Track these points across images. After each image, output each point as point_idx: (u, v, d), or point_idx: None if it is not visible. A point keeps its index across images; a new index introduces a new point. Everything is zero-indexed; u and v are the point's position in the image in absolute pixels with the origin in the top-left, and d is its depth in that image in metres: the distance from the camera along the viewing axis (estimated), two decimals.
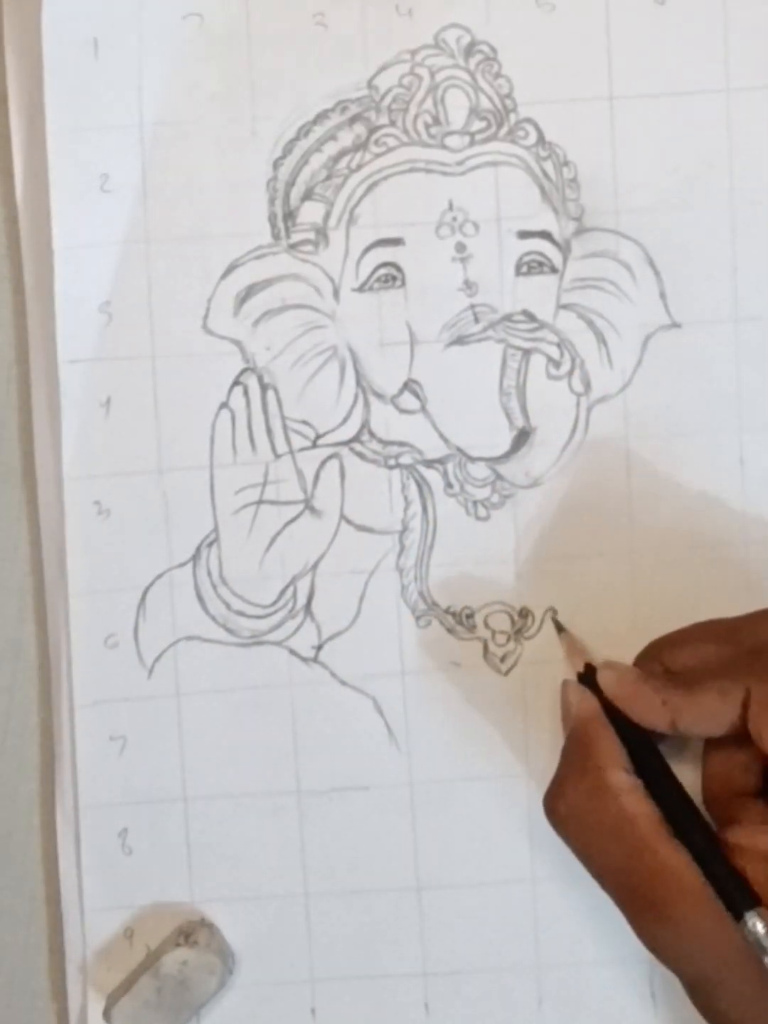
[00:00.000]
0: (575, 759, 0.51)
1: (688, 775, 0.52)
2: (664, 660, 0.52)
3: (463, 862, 0.56)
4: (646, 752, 0.51)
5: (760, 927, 0.47)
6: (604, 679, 0.51)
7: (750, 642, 0.51)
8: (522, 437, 0.55)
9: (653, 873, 0.48)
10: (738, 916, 0.47)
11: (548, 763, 0.55)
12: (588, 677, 0.52)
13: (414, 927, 0.56)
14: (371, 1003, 0.56)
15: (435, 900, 0.56)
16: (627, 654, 0.54)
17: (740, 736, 0.50)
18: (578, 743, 0.51)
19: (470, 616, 0.56)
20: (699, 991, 0.49)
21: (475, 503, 0.55)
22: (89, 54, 0.55)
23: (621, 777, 0.49)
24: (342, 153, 0.55)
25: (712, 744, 0.52)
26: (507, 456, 0.55)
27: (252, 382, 0.55)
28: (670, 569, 0.55)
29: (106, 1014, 0.54)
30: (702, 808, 0.51)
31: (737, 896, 0.48)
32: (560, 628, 0.55)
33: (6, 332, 0.57)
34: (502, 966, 0.56)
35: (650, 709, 0.50)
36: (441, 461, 0.55)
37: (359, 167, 0.55)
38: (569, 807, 0.50)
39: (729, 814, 0.51)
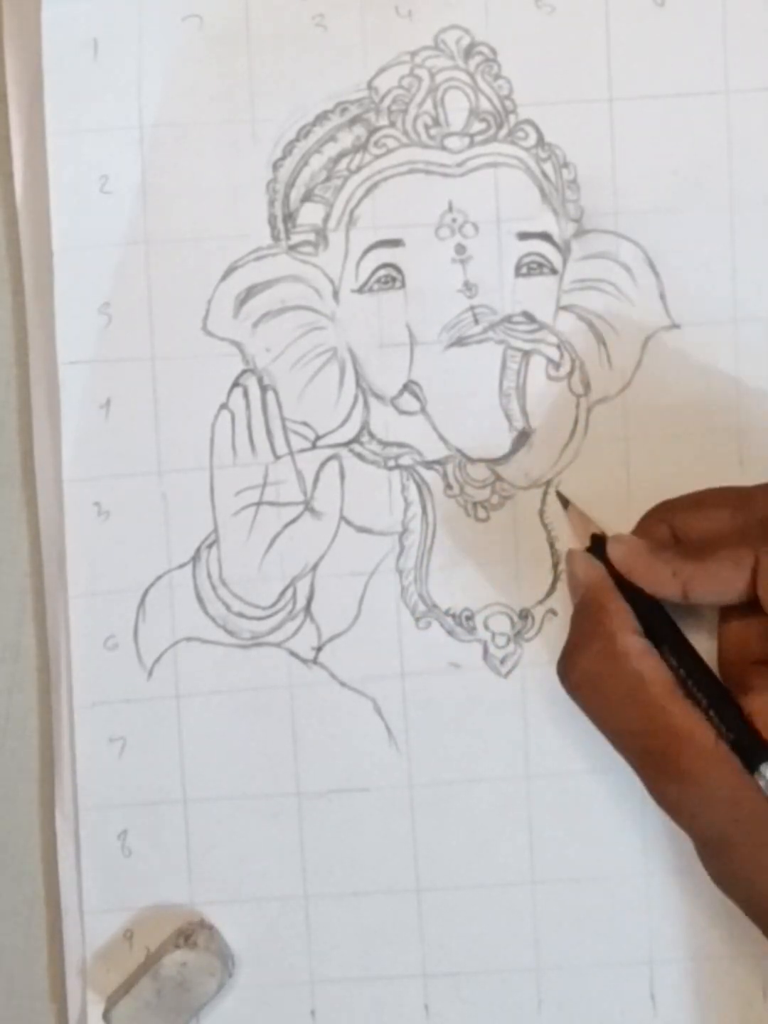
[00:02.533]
0: (586, 625, 0.51)
1: (703, 643, 0.52)
2: (675, 524, 0.52)
3: (463, 864, 0.56)
4: (657, 618, 0.51)
5: None
6: (614, 551, 0.51)
7: (763, 511, 0.50)
8: (522, 438, 0.55)
9: (667, 733, 0.48)
10: (753, 769, 0.47)
11: (548, 764, 0.55)
12: (595, 549, 0.52)
13: (414, 929, 0.56)
14: (371, 1005, 0.56)
15: (435, 902, 0.56)
16: None
17: (754, 603, 0.50)
18: (588, 610, 0.51)
19: (470, 618, 0.56)
20: (713, 851, 0.49)
21: (475, 504, 0.55)
22: (89, 55, 0.55)
23: (633, 640, 0.50)
24: (342, 154, 0.55)
25: (727, 612, 0.52)
26: (507, 457, 0.55)
27: (252, 383, 0.55)
28: None
29: (105, 1016, 0.54)
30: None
31: (752, 750, 0.48)
32: (566, 502, 0.55)
33: (6, 333, 0.57)
34: (502, 968, 0.56)
35: (661, 579, 0.50)
36: (441, 462, 0.55)
37: (359, 168, 0.55)
38: (582, 672, 0.50)
39: (744, 681, 0.51)
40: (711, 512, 0.51)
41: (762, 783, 0.47)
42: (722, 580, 0.49)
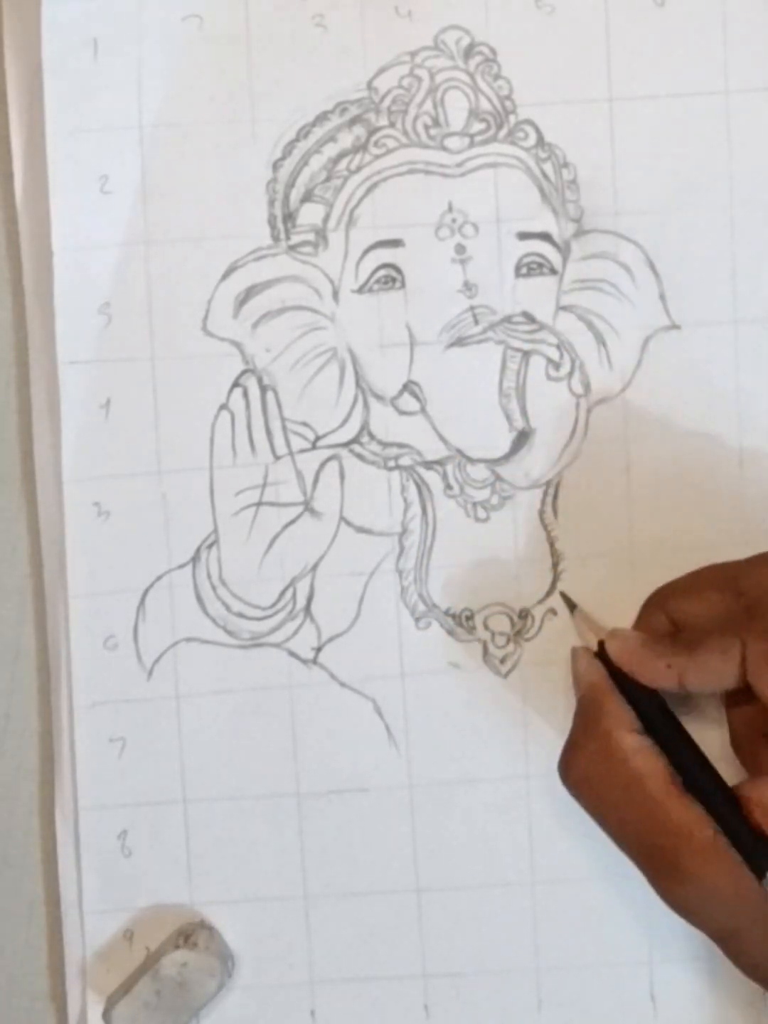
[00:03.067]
0: (585, 724, 0.51)
1: (712, 731, 0.53)
2: (668, 610, 0.52)
3: (463, 864, 0.56)
4: (657, 712, 0.51)
5: None
6: (611, 647, 0.52)
7: (749, 592, 0.51)
8: (522, 438, 0.55)
9: (666, 830, 0.48)
10: (758, 871, 0.47)
11: (548, 764, 0.55)
12: (603, 654, 0.52)
13: (413, 929, 0.56)
14: (370, 1005, 0.56)
15: (435, 902, 0.56)
16: None
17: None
18: (587, 708, 0.51)
19: (470, 618, 0.56)
20: (725, 943, 0.49)
21: (475, 504, 0.55)
22: (89, 55, 0.55)
23: (629, 738, 0.50)
24: (342, 154, 0.55)
25: (732, 697, 0.53)
26: (507, 457, 0.55)
27: (252, 384, 0.55)
28: (670, 570, 0.55)
29: (105, 1016, 0.54)
30: (727, 759, 0.52)
31: (756, 850, 0.48)
32: (572, 606, 0.55)
33: (6, 333, 0.57)
34: (502, 968, 0.56)
35: (657, 672, 0.51)
36: (441, 462, 0.55)
37: (359, 168, 0.55)
38: (581, 770, 0.50)
39: (757, 758, 0.51)
40: (703, 595, 0.52)
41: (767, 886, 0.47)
42: (713, 671, 0.50)
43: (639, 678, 0.51)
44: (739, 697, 0.52)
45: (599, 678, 0.52)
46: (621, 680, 0.51)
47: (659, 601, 0.53)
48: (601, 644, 0.52)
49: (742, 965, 0.49)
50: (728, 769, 0.52)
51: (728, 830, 0.48)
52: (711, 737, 0.53)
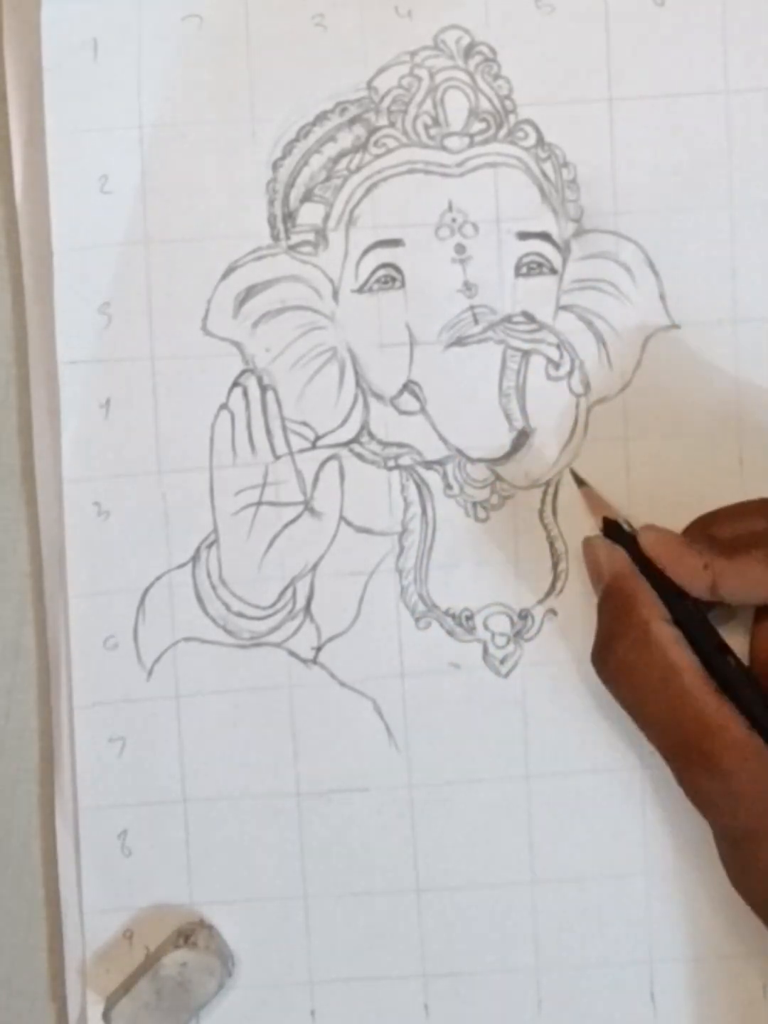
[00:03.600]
0: (619, 613, 0.51)
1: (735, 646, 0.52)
2: (714, 531, 0.52)
3: (463, 864, 0.56)
4: (686, 610, 0.50)
5: None
6: (646, 539, 0.51)
7: None
8: (522, 438, 0.55)
9: (700, 724, 0.48)
10: None
11: (548, 764, 0.55)
12: (610, 533, 0.52)
13: (414, 929, 0.56)
14: (370, 1005, 0.56)
15: (435, 902, 0.56)
16: None
17: None
18: (618, 598, 0.51)
19: (470, 618, 0.56)
20: (737, 846, 0.49)
21: (475, 504, 0.55)
22: (88, 55, 0.55)
23: (665, 629, 0.50)
24: (341, 154, 0.55)
25: (762, 613, 0.52)
26: (507, 457, 0.55)
27: (251, 383, 0.55)
28: None
29: (105, 1016, 0.54)
30: None
31: None
32: (581, 482, 0.54)
33: (5, 333, 0.57)
34: (502, 968, 0.56)
35: (692, 572, 0.50)
36: (441, 462, 0.55)
37: (358, 168, 0.55)
38: (618, 661, 0.50)
39: None
40: (749, 519, 0.51)
41: None
42: (752, 579, 0.49)
43: (673, 575, 0.50)
44: (765, 617, 0.52)
45: (626, 565, 0.51)
46: (647, 574, 0.51)
47: (701, 525, 0.52)
48: (607, 522, 0.52)
49: (745, 876, 0.49)
50: None
51: (761, 727, 0.48)
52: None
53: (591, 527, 0.54)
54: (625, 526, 0.52)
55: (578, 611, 0.55)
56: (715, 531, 0.52)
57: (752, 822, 0.48)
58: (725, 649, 0.50)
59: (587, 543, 0.53)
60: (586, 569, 0.54)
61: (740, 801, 0.48)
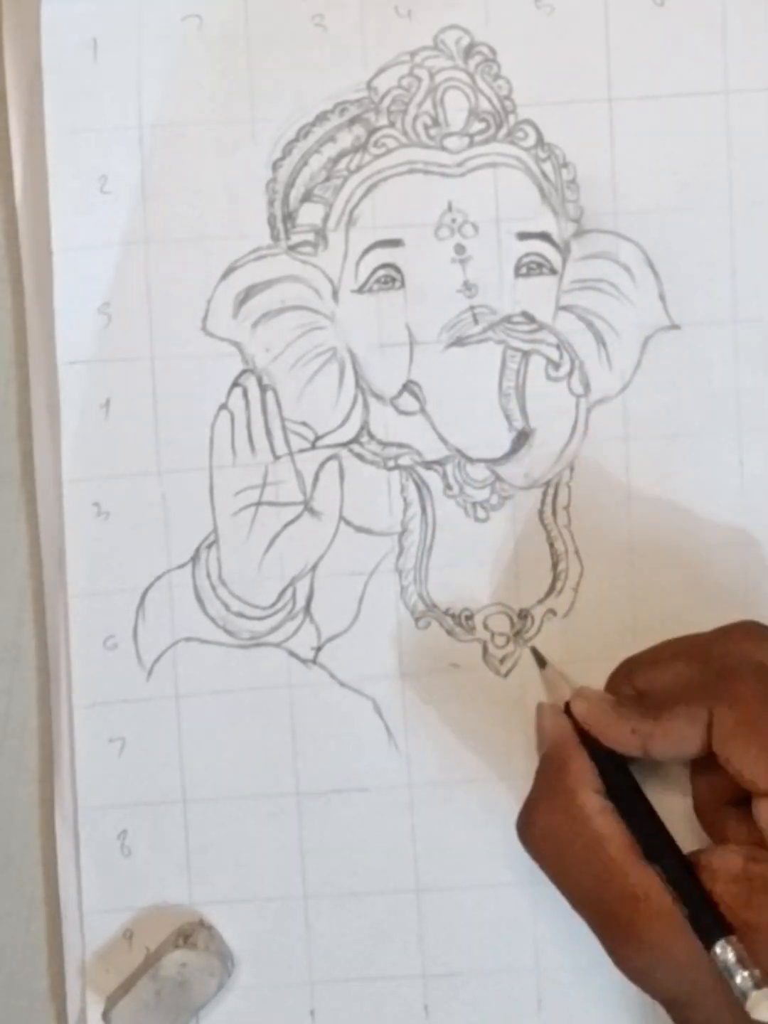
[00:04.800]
0: (548, 780, 0.51)
1: (675, 800, 0.53)
2: (635, 681, 0.52)
3: (462, 864, 0.56)
4: (619, 776, 0.51)
5: (731, 955, 0.47)
6: (576, 707, 0.52)
7: (719, 661, 0.51)
8: (521, 438, 0.55)
9: (624, 895, 0.48)
10: (709, 944, 0.47)
11: None
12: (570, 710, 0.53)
13: (413, 929, 0.56)
14: (370, 1005, 0.56)
15: (434, 902, 0.56)
16: (626, 653, 0.54)
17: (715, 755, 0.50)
18: (551, 765, 0.51)
19: (469, 618, 0.56)
20: (675, 1011, 0.49)
21: (474, 504, 0.55)
22: (88, 55, 0.55)
23: (592, 798, 0.50)
24: (341, 154, 0.55)
25: (696, 763, 0.52)
26: (506, 457, 0.55)
27: (251, 383, 0.55)
28: (669, 570, 0.55)
29: (105, 1016, 0.54)
30: (689, 824, 0.52)
31: (708, 923, 0.47)
32: (542, 663, 0.55)
33: (5, 333, 0.57)
34: (501, 968, 0.56)
35: (621, 736, 0.50)
36: (440, 462, 0.55)
37: (358, 168, 0.55)
38: (541, 828, 0.50)
39: (719, 826, 0.51)
40: (670, 665, 0.52)
41: (717, 957, 0.47)
42: (679, 737, 0.50)
43: (604, 741, 0.51)
44: (703, 764, 0.51)
45: (565, 735, 0.52)
46: (586, 740, 0.51)
47: (625, 672, 0.53)
48: (568, 703, 0.53)
49: None
50: (690, 836, 0.52)
51: (683, 899, 0.48)
52: (673, 802, 0.53)
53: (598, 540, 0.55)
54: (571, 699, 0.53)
55: (579, 611, 0.55)
56: (638, 682, 0.52)
57: (682, 990, 0.48)
58: (657, 823, 0.50)
59: (538, 709, 0.54)
60: (535, 735, 0.54)
61: (667, 971, 0.48)
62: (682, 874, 0.49)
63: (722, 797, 0.51)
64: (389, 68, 0.55)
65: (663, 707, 0.50)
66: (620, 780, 0.51)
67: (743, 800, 0.50)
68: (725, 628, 0.52)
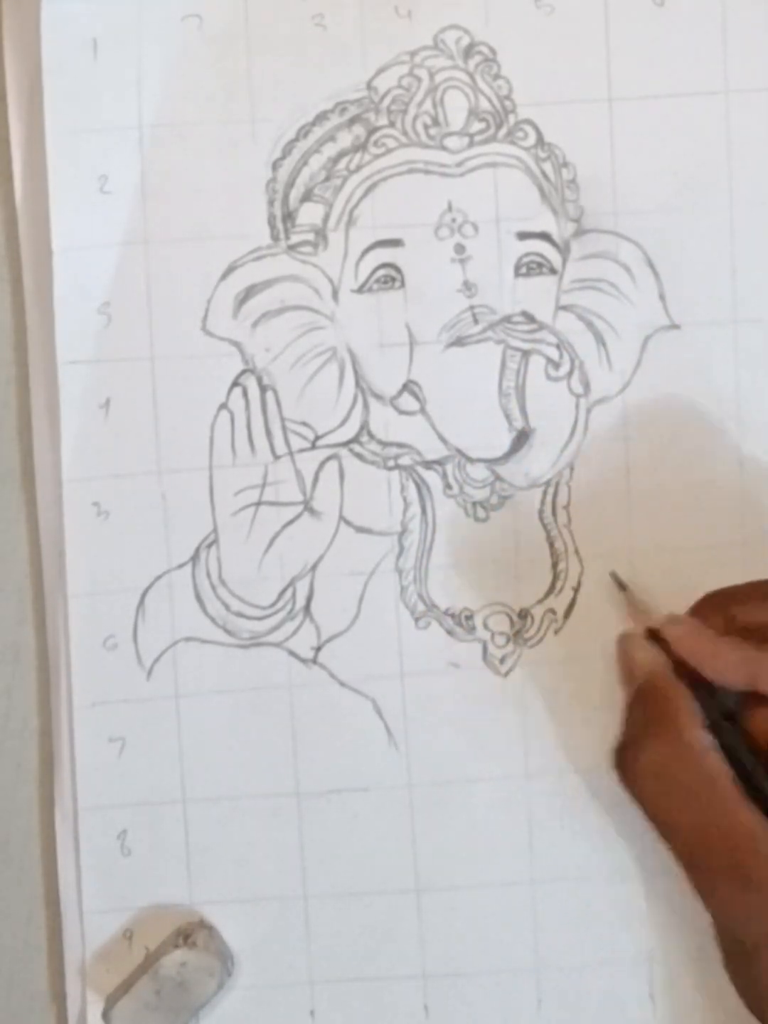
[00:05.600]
0: (650, 717, 0.50)
1: None
2: (733, 614, 0.50)
3: (462, 864, 0.56)
4: (717, 710, 0.50)
5: None
6: (675, 633, 0.50)
7: None
8: (521, 438, 0.55)
9: (733, 834, 0.48)
10: None
11: (547, 764, 0.55)
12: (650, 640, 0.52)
13: (413, 929, 0.56)
14: (370, 1005, 0.56)
15: (434, 902, 0.56)
16: None
17: None
18: (651, 698, 0.50)
19: (469, 617, 0.56)
20: (750, 957, 0.48)
21: (474, 504, 0.55)
22: (88, 55, 0.55)
23: (700, 735, 0.49)
24: (341, 154, 0.55)
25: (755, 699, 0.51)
26: (506, 457, 0.55)
27: (251, 383, 0.55)
28: (670, 570, 0.55)
29: (105, 1015, 0.54)
30: None
31: None
32: (622, 585, 0.54)
33: (5, 333, 0.57)
34: (501, 968, 0.56)
35: (728, 666, 0.49)
36: (440, 462, 0.55)
37: (358, 168, 0.55)
38: (646, 764, 0.49)
39: None
40: (766, 603, 0.50)
41: None
42: None
43: (706, 672, 0.49)
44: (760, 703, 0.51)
45: (661, 667, 0.50)
46: (679, 672, 0.50)
47: (719, 603, 0.51)
48: (651, 632, 0.51)
49: (753, 986, 0.48)
50: None
51: None
52: None
53: (599, 545, 0.54)
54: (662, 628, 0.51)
55: (579, 610, 0.55)
56: (737, 613, 0.50)
57: None
58: (759, 754, 0.49)
59: (622, 639, 0.52)
60: (617, 664, 0.53)
61: (763, 913, 0.47)
62: None
63: None
64: (389, 68, 0.55)
65: None
66: (718, 715, 0.49)
67: None
68: None
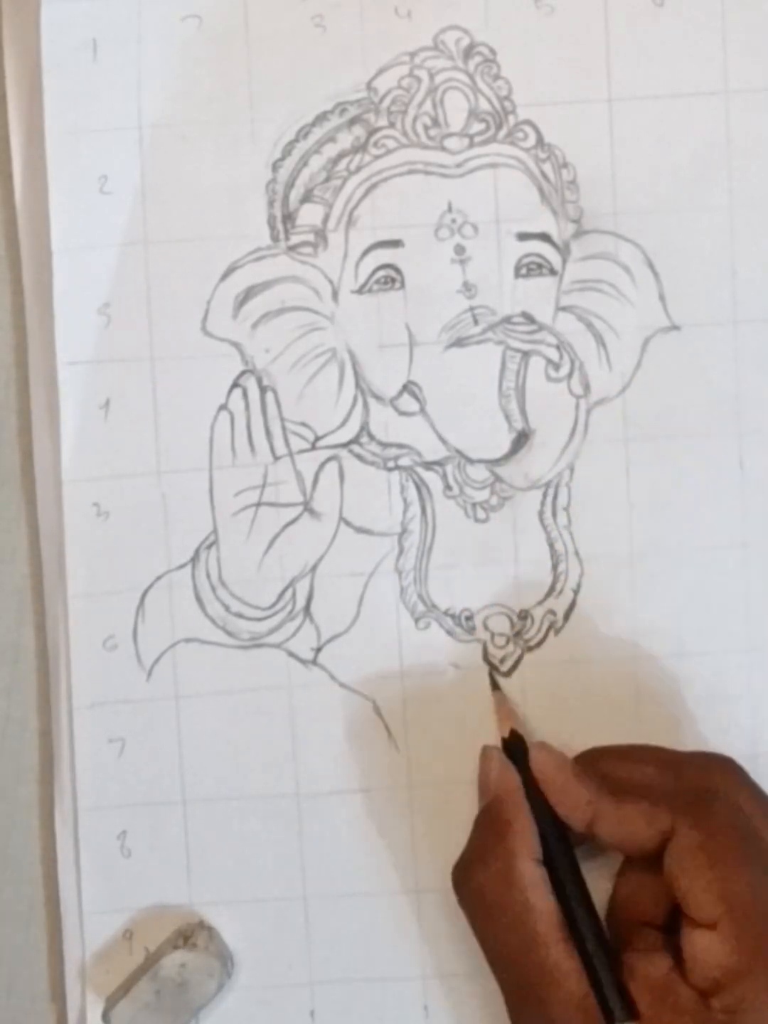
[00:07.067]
0: (489, 840, 0.51)
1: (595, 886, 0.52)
2: (601, 766, 0.52)
3: None
4: (558, 843, 0.51)
5: None
6: (538, 758, 0.51)
7: (694, 781, 0.50)
8: (521, 439, 0.55)
9: (543, 972, 0.48)
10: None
11: None
12: (510, 745, 0.53)
13: (413, 929, 0.56)
14: (370, 1006, 0.56)
15: (435, 902, 0.56)
16: (626, 659, 0.54)
17: (652, 864, 0.50)
18: (493, 821, 0.51)
19: (469, 618, 0.56)
20: None
21: (474, 505, 0.55)
22: (88, 56, 0.55)
23: (530, 868, 0.50)
24: (341, 155, 0.55)
25: (627, 867, 0.52)
26: (506, 458, 0.55)
27: (251, 384, 0.55)
28: (669, 572, 0.55)
29: (105, 1016, 0.54)
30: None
31: (617, 1007, 0.48)
32: (495, 685, 0.55)
33: (5, 334, 0.57)
34: None
35: (575, 804, 0.50)
36: (440, 463, 0.55)
37: (358, 169, 0.55)
38: (476, 887, 0.51)
39: (627, 937, 0.51)
40: (640, 766, 0.51)
41: None
42: (632, 829, 0.49)
43: (555, 803, 0.51)
44: (631, 872, 0.52)
45: (511, 791, 0.51)
46: (530, 797, 0.51)
47: (591, 757, 0.52)
48: (513, 734, 0.53)
49: None
50: None
51: (596, 982, 0.48)
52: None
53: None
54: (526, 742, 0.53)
55: (579, 612, 0.55)
56: (604, 767, 0.51)
57: None
58: (587, 899, 0.50)
59: (484, 753, 0.53)
60: (477, 778, 0.54)
61: None
62: (602, 956, 0.49)
63: (639, 913, 0.51)
64: (389, 68, 0.55)
65: (627, 795, 0.50)
66: (558, 846, 0.51)
67: (658, 923, 0.50)
68: (705, 755, 0.52)
